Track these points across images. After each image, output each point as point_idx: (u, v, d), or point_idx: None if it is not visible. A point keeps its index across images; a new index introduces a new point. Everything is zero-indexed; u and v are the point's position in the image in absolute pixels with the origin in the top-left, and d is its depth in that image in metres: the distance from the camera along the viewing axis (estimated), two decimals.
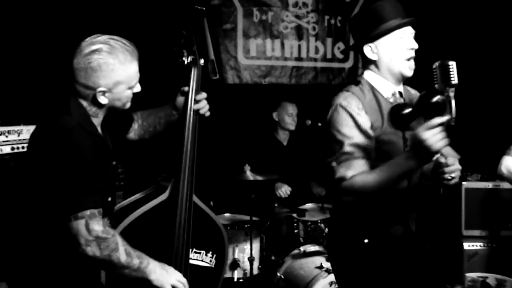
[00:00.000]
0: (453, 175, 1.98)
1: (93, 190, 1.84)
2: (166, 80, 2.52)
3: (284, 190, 4.33)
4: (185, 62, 2.31)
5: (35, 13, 3.91)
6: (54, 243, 1.89)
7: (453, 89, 1.86)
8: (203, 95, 2.36)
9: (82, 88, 1.91)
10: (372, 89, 2.21)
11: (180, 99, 2.39)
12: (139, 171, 3.97)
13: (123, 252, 1.86)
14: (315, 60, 5.09)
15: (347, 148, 2.07)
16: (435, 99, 1.83)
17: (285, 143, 4.66)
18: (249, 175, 3.84)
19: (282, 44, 4.99)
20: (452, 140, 1.90)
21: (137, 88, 2.03)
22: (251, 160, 4.02)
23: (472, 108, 4.26)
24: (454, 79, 1.85)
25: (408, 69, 2.19)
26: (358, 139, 2.08)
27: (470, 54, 4.57)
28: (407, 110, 1.88)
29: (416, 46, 2.18)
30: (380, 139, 2.13)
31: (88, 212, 1.80)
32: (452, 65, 1.86)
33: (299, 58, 5.05)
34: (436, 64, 1.88)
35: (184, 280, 2.04)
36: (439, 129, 1.80)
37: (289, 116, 4.56)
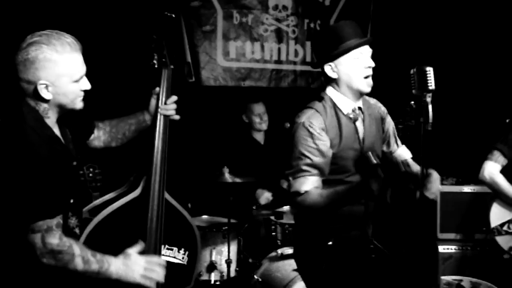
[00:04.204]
0: (432, 196, 2.21)
1: (49, 198, 1.84)
2: (139, 82, 2.55)
3: (266, 197, 4.33)
4: (156, 66, 2.38)
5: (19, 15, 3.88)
6: (17, 245, 1.88)
7: (430, 94, 1.90)
8: (173, 98, 2.41)
9: (25, 84, 1.88)
10: (334, 106, 2.39)
11: (153, 102, 2.42)
12: (115, 171, 3.94)
13: (79, 262, 1.88)
14: (295, 63, 5.10)
15: (303, 166, 2.29)
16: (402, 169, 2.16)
17: (262, 143, 4.66)
18: (228, 177, 3.83)
19: (262, 47, 4.99)
20: (428, 144, 1.93)
21: (85, 85, 1.98)
22: (230, 162, 4.01)
23: (447, 113, 4.32)
24: (431, 85, 1.89)
25: (366, 86, 2.34)
26: (315, 159, 2.29)
27: (444, 59, 4.63)
28: (373, 164, 2.21)
29: (372, 64, 2.33)
30: (338, 155, 2.34)
31: (45, 225, 1.82)
32: (429, 71, 1.90)
33: (278, 61, 5.06)
34: (414, 70, 1.91)
35: (151, 264, 2.04)
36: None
37: (256, 116, 4.55)
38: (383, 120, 2.59)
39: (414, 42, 4.87)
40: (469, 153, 4.21)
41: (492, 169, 3.35)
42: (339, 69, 2.34)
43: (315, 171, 2.29)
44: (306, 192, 2.26)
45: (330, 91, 2.42)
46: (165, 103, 2.38)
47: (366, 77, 2.33)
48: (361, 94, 2.39)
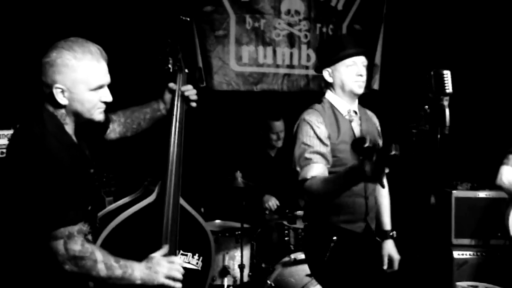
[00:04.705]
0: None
1: (71, 205, 1.83)
2: (154, 87, 2.56)
3: (272, 204, 4.31)
4: (171, 70, 2.39)
5: (31, 16, 3.91)
6: (37, 252, 1.87)
7: (447, 98, 1.89)
8: (190, 87, 2.43)
9: (44, 88, 1.89)
10: (332, 107, 2.63)
11: (168, 95, 2.43)
12: (129, 176, 3.96)
13: (102, 268, 1.86)
14: (307, 67, 5.08)
15: (307, 155, 2.46)
16: (393, 152, 1.87)
17: (273, 155, 4.65)
18: (241, 182, 3.83)
19: (274, 52, 4.98)
20: (444, 149, 1.92)
21: (106, 97, 1.95)
22: (242, 168, 4.01)
23: (461, 118, 4.28)
24: (449, 88, 1.88)
25: (358, 87, 2.58)
26: (317, 147, 2.47)
27: (456, 63, 4.60)
28: (367, 145, 1.98)
29: (363, 73, 2.58)
30: (337, 148, 2.53)
31: (66, 232, 1.81)
32: (447, 74, 1.89)
33: (290, 66, 5.05)
34: (431, 73, 1.90)
35: (173, 264, 2.03)
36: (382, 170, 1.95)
37: (274, 134, 4.53)
38: (378, 133, 2.81)
39: (426, 45, 4.85)
40: (484, 158, 4.18)
41: (509, 174, 3.32)
42: (335, 75, 2.61)
43: (319, 159, 2.45)
44: (312, 177, 2.39)
45: (328, 94, 2.67)
46: (179, 110, 2.38)
47: (356, 81, 2.57)
48: (354, 95, 2.62)
